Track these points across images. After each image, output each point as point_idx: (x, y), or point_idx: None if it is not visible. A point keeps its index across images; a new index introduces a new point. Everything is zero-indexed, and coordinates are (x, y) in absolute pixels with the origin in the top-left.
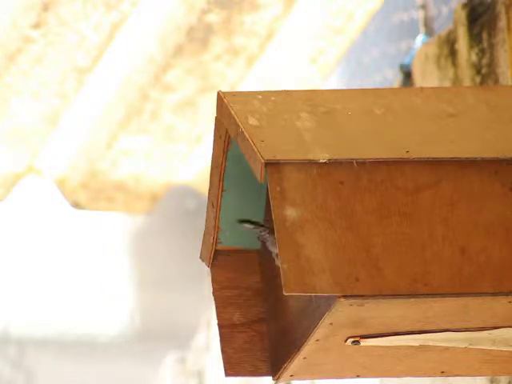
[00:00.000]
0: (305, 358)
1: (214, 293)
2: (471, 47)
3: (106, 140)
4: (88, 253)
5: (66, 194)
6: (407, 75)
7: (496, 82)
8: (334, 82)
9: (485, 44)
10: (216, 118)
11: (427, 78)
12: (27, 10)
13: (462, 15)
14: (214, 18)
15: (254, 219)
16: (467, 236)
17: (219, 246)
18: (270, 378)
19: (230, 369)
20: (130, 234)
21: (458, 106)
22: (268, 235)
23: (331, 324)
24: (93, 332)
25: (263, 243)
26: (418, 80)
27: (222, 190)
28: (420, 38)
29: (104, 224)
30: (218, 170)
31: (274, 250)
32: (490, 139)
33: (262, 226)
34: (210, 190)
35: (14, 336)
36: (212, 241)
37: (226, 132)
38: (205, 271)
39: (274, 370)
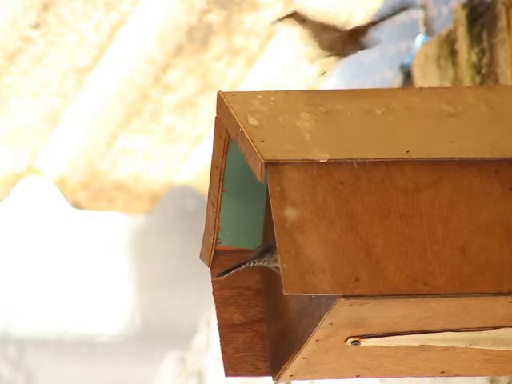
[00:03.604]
0: (305, 358)
1: (214, 293)
2: (471, 47)
3: (106, 140)
4: (88, 253)
5: (66, 194)
6: (407, 75)
7: (496, 82)
8: (333, 82)
9: (485, 44)
10: (216, 117)
11: (427, 77)
12: (27, 10)
13: (462, 15)
14: (214, 17)
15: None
16: (467, 236)
17: (219, 246)
18: (270, 377)
19: (230, 369)
20: (130, 233)
21: (458, 106)
22: (254, 261)
23: (331, 324)
24: (93, 332)
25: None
26: (418, 80)
27: (222, 190)
28: (420, 38)
29: (104, 224)
30: (217, 170)
31: (272, 265)
32: (490, 139)
33: (237, 266)
34: (209, 189)
35: (14, 336)
36: (212, 241)
37: (226, 132)
38: (205, 271)
39: (274, 370)
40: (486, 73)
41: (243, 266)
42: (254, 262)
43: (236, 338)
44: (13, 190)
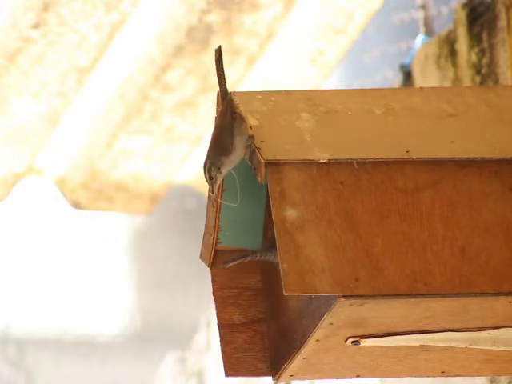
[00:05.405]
0: (305, 358)
1: (214, 293)
2: (471, 47)
3: (106, 140)
4: (88, 253)
5: (66, 194)
6: (407, 75)
7: (496, 82)
8: (334, 82)
9: (485, 44)
10: (216, 117)
11: (427, 78)
12: (27, 10)
13: (462, 15)
14: (213, 18)
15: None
16: (467, 236)
17: (219, 246)
18: (270, 377)
19: (230, 369)
20: (130, 234)
21: (458, 106)
22: (261, 254)
23: (331, 324)
24: (92, 332)
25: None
26: (418, 80)
27: (222, 190)
28: (420, 38)
29: (104, 224)
30: None
31: (276, 261)
32: (490, 139)
33: (243, 257)
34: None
35: (14, 336)
36: (212, 241)
37: None
38: (205, 271)
39: (274, 370)
40: (486, 73)
41: (249, 258)
42: (261, 256)
43: (236, 338)
44: (13, 189)
